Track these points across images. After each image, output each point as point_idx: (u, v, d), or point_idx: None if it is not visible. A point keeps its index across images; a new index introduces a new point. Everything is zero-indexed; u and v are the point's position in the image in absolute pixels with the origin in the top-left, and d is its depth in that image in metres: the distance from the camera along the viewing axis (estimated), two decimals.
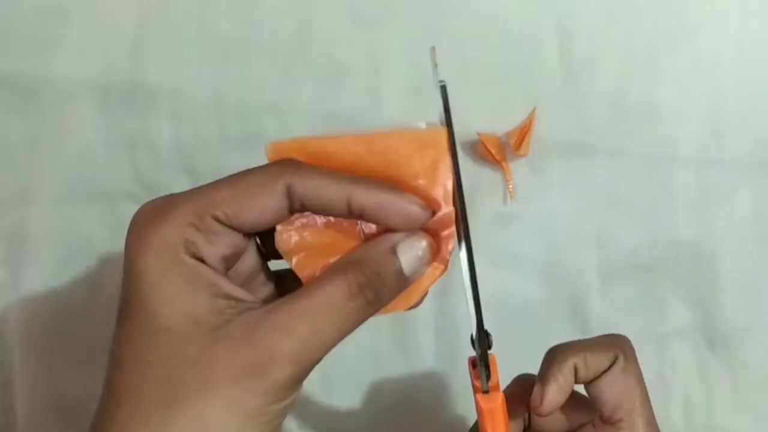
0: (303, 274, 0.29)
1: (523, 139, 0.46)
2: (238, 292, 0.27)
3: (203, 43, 0.48)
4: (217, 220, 0.27)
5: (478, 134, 0.46)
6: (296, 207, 0.27)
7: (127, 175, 0.48)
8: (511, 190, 0.47)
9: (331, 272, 0.27)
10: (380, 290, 0.27)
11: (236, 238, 0.28)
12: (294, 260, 0.29)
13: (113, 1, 0.47)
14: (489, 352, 0.30)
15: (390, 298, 0.28)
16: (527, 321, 0.48)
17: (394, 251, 0.28)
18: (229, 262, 0.28)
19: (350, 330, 0.27)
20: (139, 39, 0.47)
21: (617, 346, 0.33)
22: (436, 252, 0.29)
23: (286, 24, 0.48)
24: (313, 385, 0.48)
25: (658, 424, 0.33)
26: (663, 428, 0.33)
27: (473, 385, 0.31)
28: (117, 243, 0.47)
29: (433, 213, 0.28)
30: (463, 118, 0.47)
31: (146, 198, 0.48)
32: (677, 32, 0.47)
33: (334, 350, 0.44)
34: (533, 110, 0.47)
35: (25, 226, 0.47)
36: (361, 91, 0.48)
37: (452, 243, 0.29)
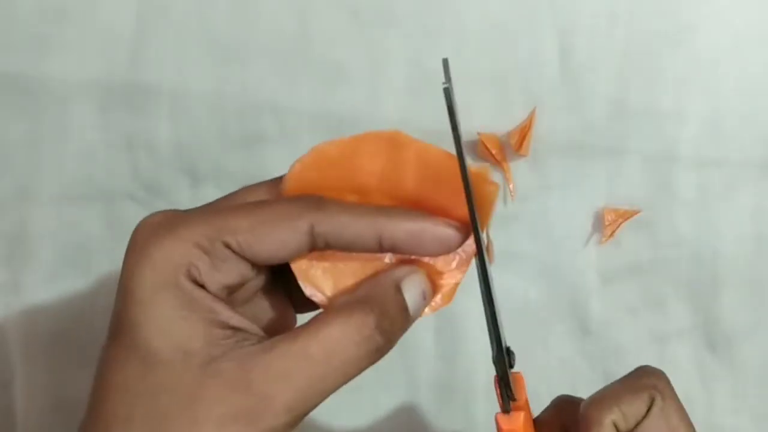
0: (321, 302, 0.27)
1: (523, 139, 0.46)
2: (237, 320, 0.25)
3: (203, 43, 0.47)
4: (228, 247, 0.25)
5: (478, 134, 0.46)
6: (319, 245, 0.26)
7: (127, 175, 0.48)
8: (511, 190, 0.47)
9: (334, 312, 0.25)
10: (390, 333, 0.25)
11: (245, 268, 0.26)
12: (309, 290, 0.27)
13: (113, 1, 0.47)
14: (513, 370, 0.29)
15: (398, 339, 0.26)
16: (527, 321, 0.48)
17: (399, 290, 0.26)
18: (233, 289, 0.27)
19: (355, 375, 0.26)
20: (139, 39, 0.47)
21: (650, 385, 0.30)
22: (436, 287, 0.27)
23: (286, 24, 0.48)
24: None
25: None
26: None
27: (500, 405, 0.30)
28: (117, 243, 0.47)
29: (468, 232, 0.27)
30: (463, 118, 0.47)
31: (146, 198, 0.48)
32: (677, 32, 0.47)
33: None
34: (533, 110, 0.47)
35: (25, 226, 0.47)
36: (361, 91, 0.48)
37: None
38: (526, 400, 0.30)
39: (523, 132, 0.46)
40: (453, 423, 0.48)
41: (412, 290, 0.26)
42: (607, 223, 0.47)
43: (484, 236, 0.27)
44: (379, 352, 0.26)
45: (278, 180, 0.29)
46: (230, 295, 0.27)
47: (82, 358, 0.47)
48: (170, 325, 0.24)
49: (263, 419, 0.24)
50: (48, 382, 0.47)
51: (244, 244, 0.25)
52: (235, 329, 0.25)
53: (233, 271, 0.26)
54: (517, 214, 0.48)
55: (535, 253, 0.48)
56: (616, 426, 0.30)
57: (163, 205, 0.47)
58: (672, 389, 0.31)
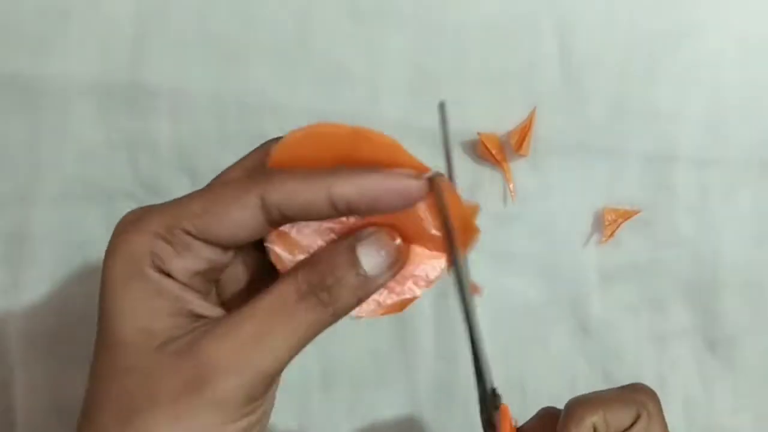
0: None
1: (523, 139, 0.46)
2: (204, 308, 0.26)
3: (203, 43, 0.47)
4: (188, 233, 0.25)
5: (478, 134, 0.46)
6: (276, 218, 0.25)
7: (127, 175, 0.48)
8: (511, 190, 0.47)
9: (283, 275, 0.26)
10: (336, 290, 0.25)
11: (212, 252, 0.26)
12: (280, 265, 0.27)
13: (113, 1, 0.47)
14: (501, 403, 0.29)
15: (352, 299, 0.26)
16: (527, 321, 0.48)
17: (352, 249, 0.26)
18: (208, 275, 0.27)
19: (305, 335, 0.25)
20: (139, 39, 0.47)
21: (639, 402, 0.31)
22: (406, 252, 0.27)
23: (286, 24, 0.48)
24: (313, 384, 0.48)
25: None
26: None
27: None
28: None
29: (430, 181, 0.26)
30: (463, 118, 0.47)
31: (146, 198, 0.48)
32: (677, 32, 0.47)
33: (333, 350, 0.44)
34: (533, 110, 0.47)
35: (25, 226, 0.47)
36: (361, 91, 0.48)
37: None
38: (511, 430, 0.30)
39: (523, 132, 0.46)
40: (453, 423, 0.48)
41: (367, 248, 0.26)
42: (607, 223, 0.47)
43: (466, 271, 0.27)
44: (326, 308, 0.25)
45: (254, 153, 0.28)
46: (208, 280, 0.27)
47: (82, 358, 0.47)
48: (135, 312, 0.25)
49: (210, 385, 0.24)
50: (48, 382, 0.47)
51: (201, 227, 0.25)
52: (202, 316, 0.26)
53: (199, 256, 0.26)
54: (517, 214, 0.48)
55: (535, 253, 0.48)
56: (595, 428, 0.30)
57: None
58: (660, 411, 0.31)
